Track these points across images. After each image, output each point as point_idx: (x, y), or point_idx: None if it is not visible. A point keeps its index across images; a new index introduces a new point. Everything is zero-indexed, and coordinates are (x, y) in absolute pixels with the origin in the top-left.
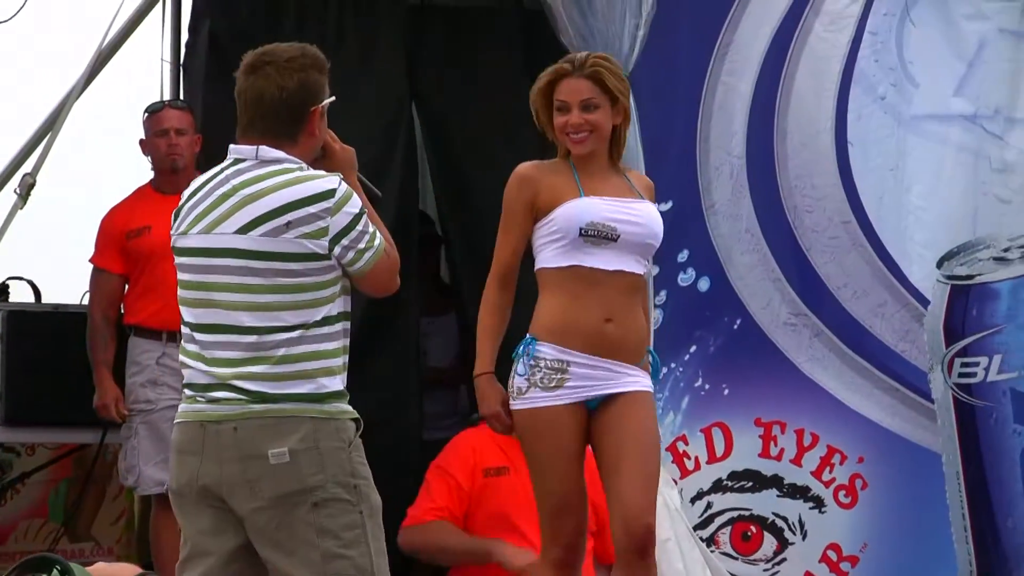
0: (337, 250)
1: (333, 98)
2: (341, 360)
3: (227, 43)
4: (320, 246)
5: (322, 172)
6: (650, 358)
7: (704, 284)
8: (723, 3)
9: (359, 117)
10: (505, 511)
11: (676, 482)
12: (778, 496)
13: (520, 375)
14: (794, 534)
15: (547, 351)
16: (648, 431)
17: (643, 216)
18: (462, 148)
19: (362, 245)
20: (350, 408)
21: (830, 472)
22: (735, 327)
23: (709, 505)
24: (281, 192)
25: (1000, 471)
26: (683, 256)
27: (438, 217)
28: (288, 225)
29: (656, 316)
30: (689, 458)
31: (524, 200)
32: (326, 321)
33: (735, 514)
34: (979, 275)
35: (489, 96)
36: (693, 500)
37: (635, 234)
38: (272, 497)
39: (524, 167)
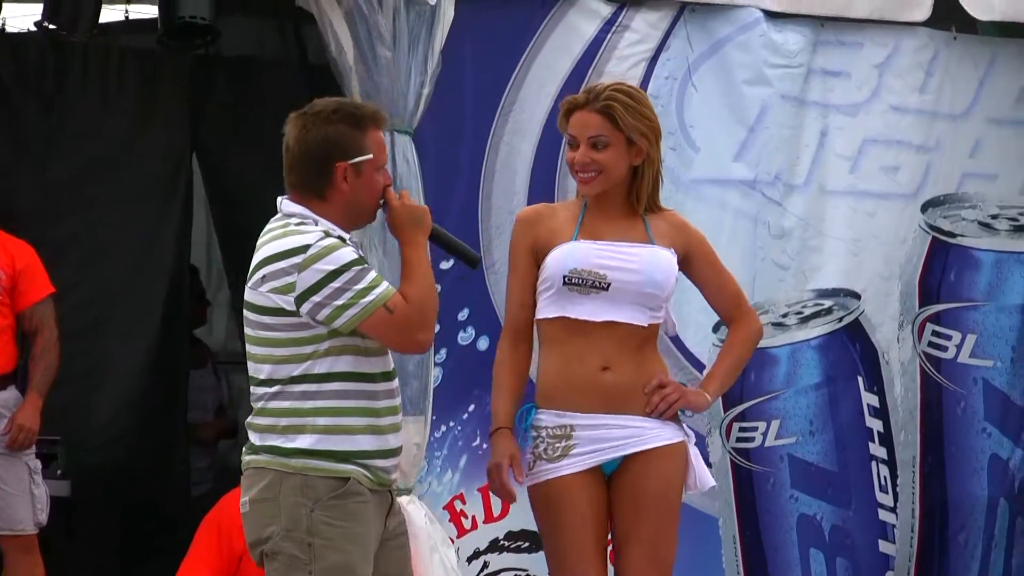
0: (306, 307)
1: (370, 156)
2: (326, 420)
3: (13, 90)
4: (287, 302)
5: (309, 228)
6: None
7: (483, 343)
8: (507, 63)
9: (141, 167)
10: None
11: (453, 541)
12: None
13: (525, 449)
14: None
15: (546, 418)
16: (664, 500)
17: (640, 263)
18: (241, 200)
19: (340, 302)
20: (329, 465)
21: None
22: None
23: (486, 565)
24: (265, 246)
25: (777, 536)
26: (463, 315)
27: (224, 269)
28: (263, 279)
29: (436, 374)
30: (467, 517)
31: (525, 245)
32: (306, 379)
33: (512, 574)
34: None
35: (270, 149)
36: (470, 559)
37: (629, 282)
38: (248, 544)
39: (526, 209)
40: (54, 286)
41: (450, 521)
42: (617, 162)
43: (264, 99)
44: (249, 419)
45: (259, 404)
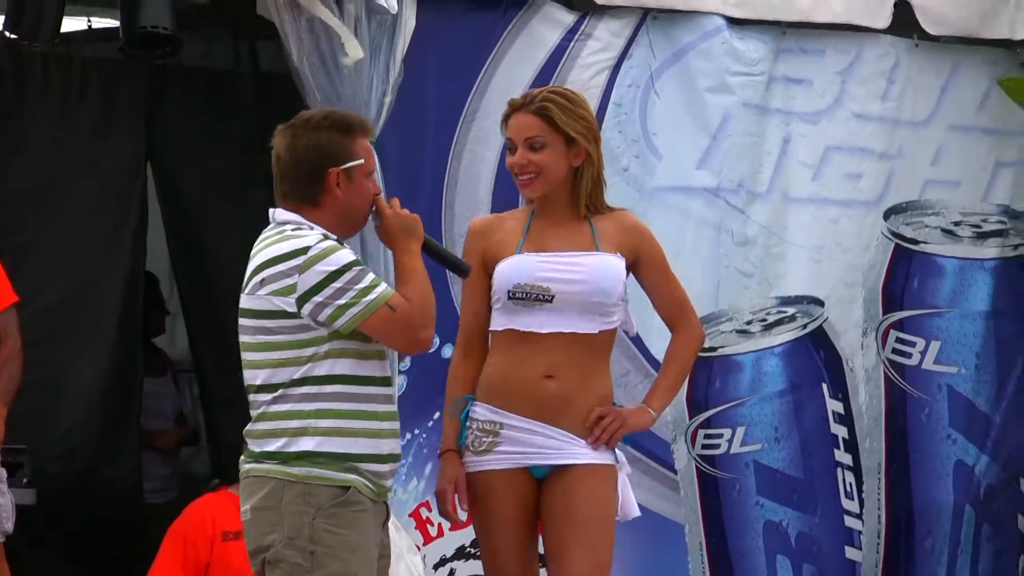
0: (308, 308)
1: (361, 161)
2: (327, 422)
3: None
4: (288, 304)
5: (306, 232)
6: None
7: (448, 351)
8: (470, 72)
9: (96, 176)
10: (241, 573)
11: (419, 548)
12: None
13: (462, 440)
14: None
15: (480, 412)
16: (596, 517)
17: (585, 272)
18: (194, 209)
19: (342, 301)
20: (330, 474)
21: None
22: None
23: (452, 572)
24: (262, 252)
25: (743, 543)
26: None
27: (174, 276)
28: (262, 283)
29: (400, 382)
30: (432, 524)
31: (476, 256)
32: (306, 382)
33: None
34: (722, 347)
35: (223, 158)
36: (436, 567)
37: (574, 292)
38: (249, 552)
39: (477, 220)
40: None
41: (416, 528)
42: (556, 163)
43: (218, 109)
44: (248, 427)
45: (259, 410)
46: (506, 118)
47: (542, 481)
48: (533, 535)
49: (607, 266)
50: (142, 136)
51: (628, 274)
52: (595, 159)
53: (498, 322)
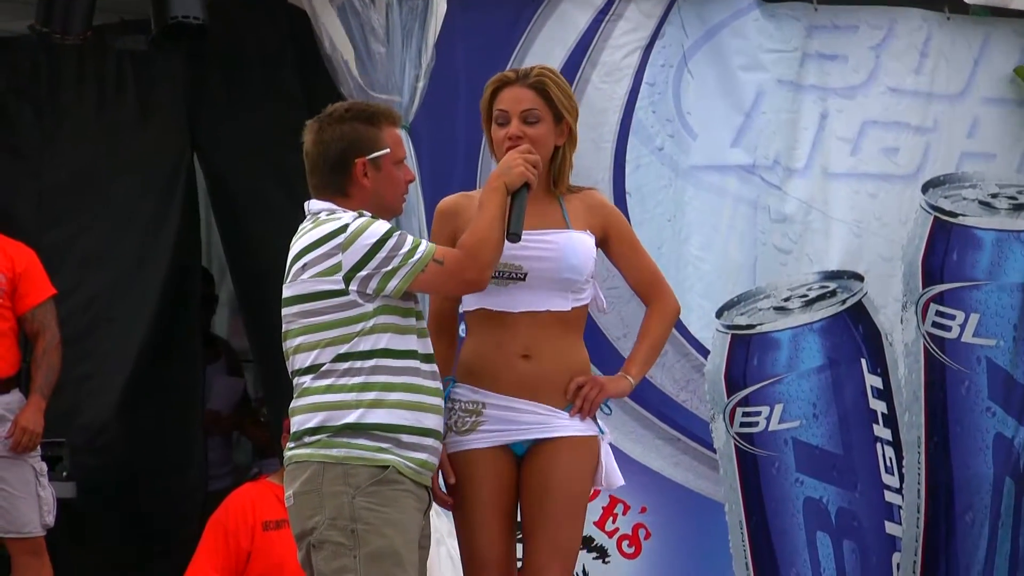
0: (355, 283)
1: (386, 150)
2: (372, 395)
3: (7, 96)
4: (335, 283)
5: (340, 214)
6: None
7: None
8: (501, 55)
9: (137, 168)
10: (282, 563)
11: None
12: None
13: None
14: None
15: (462, 392)
16: (572, 495)
17: (556, 249)
18: (242, 198)
19: (389, 267)
20: (369, 455)
21: (613, 522)
22: None
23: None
24: (300, 240)
25: (783, 520)
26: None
27: (228, 265)
28: (304, 267)
29: None
30: None
31: (444, 237)
32: (351, 356)
33: (518, 564)
34: (760, 324)
35: (269, 145)
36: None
37: (546, 269)
38: (295, 537)
39: (445, 201)
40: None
41: None
42: (546, 139)
43: (258, 96)
44: (291, 405)
45: (302, 387)
46: (496, 90)
47: (522, 458)
48: (512, 517)
49: (577, 243)
50: (185, 127)
51: (597, 251)
52: (575, 139)
53: (469, 302)
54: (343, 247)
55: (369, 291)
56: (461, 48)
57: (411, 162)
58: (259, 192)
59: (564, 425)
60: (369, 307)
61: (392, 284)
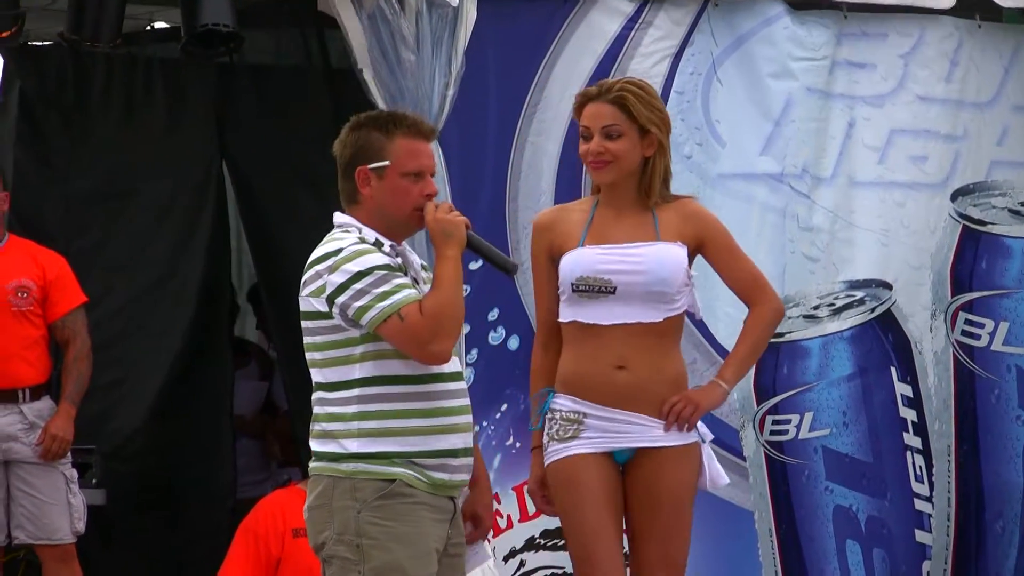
0: (336, 308)
1: (386, 163)
2: (372, 424)
3: (36, 104)
4: (321, 303)
5: (346, 235)
6: None
7: (514, 343)
8: (531, 63)
9: (166, 176)
10: (311, 570)
11: (489, 541)
12: None
13: (544, 432)
14: None
15: (563, 403)
16: (678, 502)
17: (646, 262)
18: (271, 206)
19: (361, 303)
20: (376, 468)
21: None
22: None
23: (522, 563)
24: (312, 254)
25: (812, 528)
26: (494, 315)
27: (256, 272)
28: (304, 284)
29: (467, 375)
30: (502, 516)
31: (542, 251)
32: (345, 385)
33: (548, 572)
34: (789, 333)
35: (298, 154)
36: (506, 559)
37: (635, 283)
38: (312, 548)
39: (541, 214)
40: (84, 295)
41: None
42: (630, 152)
43: (287, 104)
44: (310, 426)
45: (314, 410)
46: (580, 106)
47: (625, 466)
48: (619, 518)
49: (667, 255)
50: (214, 135)
51: (692, 260)
52: (666, 149)
53: (565, 314)
54: (331, 269)
55: (350, 318)
56: (491, 56)
57: (441, 171)
58: (287, 200)
59: (663, 435)
60: (356, 333)
61: (367, 318)
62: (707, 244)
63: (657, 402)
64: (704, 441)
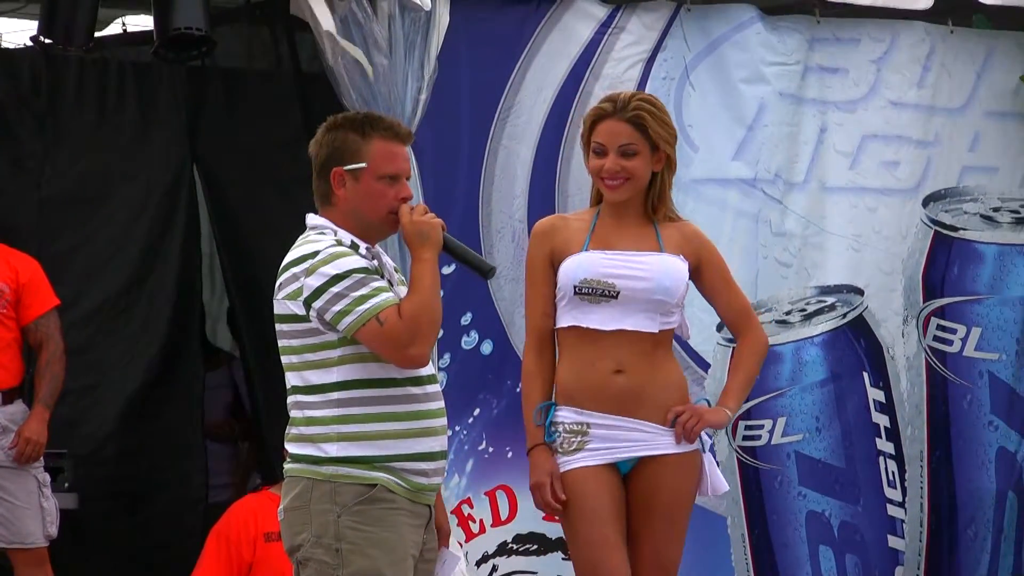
0: (313, 311)
1: (362, 165)
2: (350, 427)
3: (8, 105)
4: (298, 306)
5: (322, 237)
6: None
7: (487, 347)
8: (504, 68)
9: (138, 180)
10: (283, 574)
11: (461, 545)
12: (563, 559)
13: (548, 439)
14: None
15: (565, 415)
16: (675, 507)
17: (650, 271)
18: (241, 209)
19: (338, 308)
20: (357, 472)
21: None
22: (518, 390)
23: (495, 568)
24: (286, 257)
25: (785, 534)
26: (466, 319)
27: (224, 277)
28: (279, 287)
29: (440, 379)
30: (474, 521)
31: (542, 257)
32: (323, 388)
33: None
34: None
35: (269, 157)
36: (479, 563)
37: (638, 290)
38: (286, 551)
39: (542, 221)
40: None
41: (458, 525)
42: (644, 170)
43: (258, 108)
44: (286, 429)
45: (291, 413)
46: (594, 122)
47: (627, 475)
48: (623, 529)
49: (671, 266)
50: (185, 139)
51: (689, 278)
52: (674, 164)
53: (563, 319)
54: (307, 272)
55: (327, 321)
56: (464, 60)
57: (414, 179)
58: (258, 203)
59: (667, 443)
60: (333, 337)
61: (345, 323)
62: (705, 266)
63: (660, 407)
64: (705, 450)
